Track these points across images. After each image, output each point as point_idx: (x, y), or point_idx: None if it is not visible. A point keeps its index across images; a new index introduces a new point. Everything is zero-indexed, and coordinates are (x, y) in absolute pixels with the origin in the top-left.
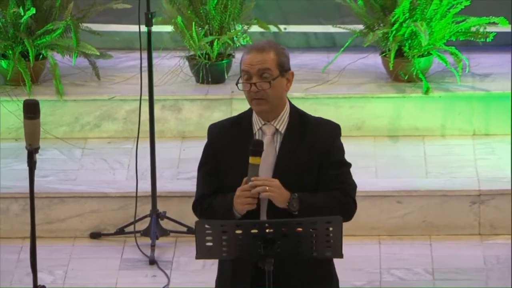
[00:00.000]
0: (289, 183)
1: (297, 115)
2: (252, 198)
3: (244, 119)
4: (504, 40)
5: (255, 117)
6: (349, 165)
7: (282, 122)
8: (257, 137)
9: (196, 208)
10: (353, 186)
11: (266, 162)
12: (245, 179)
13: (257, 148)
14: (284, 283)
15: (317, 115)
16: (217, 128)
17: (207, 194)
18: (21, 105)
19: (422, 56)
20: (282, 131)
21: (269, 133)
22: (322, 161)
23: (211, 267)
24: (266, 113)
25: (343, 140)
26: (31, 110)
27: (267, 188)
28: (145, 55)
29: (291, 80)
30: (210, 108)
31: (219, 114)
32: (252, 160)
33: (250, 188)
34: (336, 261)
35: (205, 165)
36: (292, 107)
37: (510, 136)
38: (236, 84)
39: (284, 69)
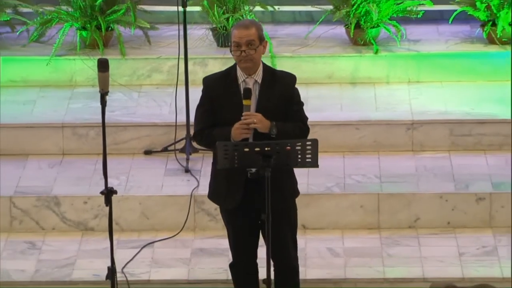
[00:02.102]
0: (267, 118)
1: (267, 70)
2: (247, 129)
3: (231, 72)
4: (430, 16)
5: (239, 71)
6: (303, 104)
7: (259, 76)
8: (242, 87)
9: (197, 137)
10: (306, 118)
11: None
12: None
13: (248, 94)
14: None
15: (299, 70)
16: (211, 79)
17: (206, 127)
18: (96, 62)
19: (373, 27)
20: (259, 82)
21: (250, 84)
22: (287, 102)
23: None
24: (249, 69)
25: (319, 86)
26: (103, 66)
27: (254, 120)
28: (181, 27)
29: (266, 47)
30: (227, 64)
31: None
32: (245, 102)
33: (246, 124)
34: (313, 169)
35: (203, 106)
36: (264, 65)
37: (435, 83)
38: (230, 51)
39: (261, 39)
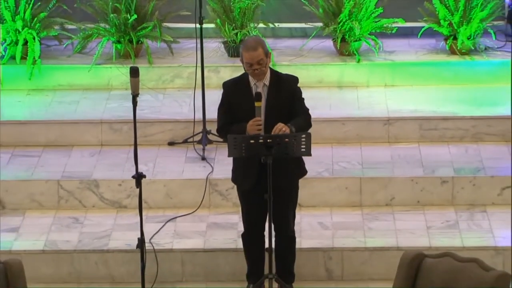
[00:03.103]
0: (276, 114)
1: (274, 74)
2: (260, 126)
3: (244, 78)
4: (402, 31)
5: (250, 77)
6: (304, 99)
7: (267, 80)
8: (253, 90)
9: (220, 131)
10: (308, 109)
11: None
12: (256, 118)
13: (259, 97)
14: (276, 171)
15: (294, 75)
16: (228, 84)
17: (227, 123)
18: (128, 70)
19: (356, 41)
20: (268, 85)
21: (260, 87)
22: (292, 99)
23: None
24: (260, 78)
25: (312, 89)
26: (134, 72)
27: (283, 129)
28: (199, 41)
29: (270, 57)
30: (236, 71)
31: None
32: (256, 104)
33: (259, 121)
34: (307, 157)
35: (223, 107)
36: (271, 70)
37: (407, 86)
38: (244, 69)
39: (267, 54)
